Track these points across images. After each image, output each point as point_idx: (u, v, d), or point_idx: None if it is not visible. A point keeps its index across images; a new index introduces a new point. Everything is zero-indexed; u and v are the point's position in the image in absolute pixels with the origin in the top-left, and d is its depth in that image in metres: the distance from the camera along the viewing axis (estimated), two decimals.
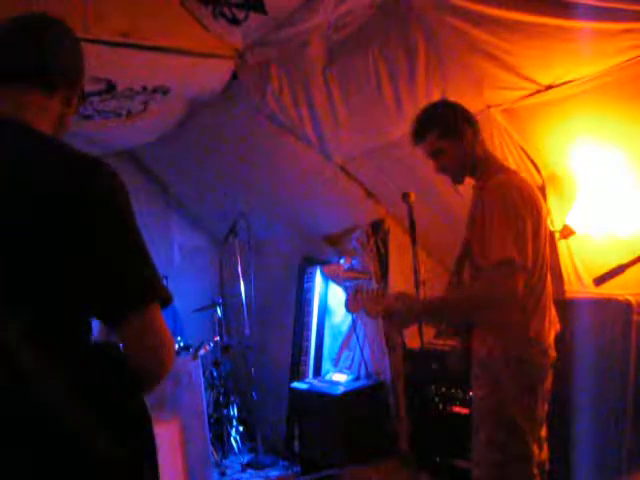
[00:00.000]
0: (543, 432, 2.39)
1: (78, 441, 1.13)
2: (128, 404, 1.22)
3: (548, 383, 2.36)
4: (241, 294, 5.04)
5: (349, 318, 4.71)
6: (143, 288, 1.19)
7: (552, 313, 2.39)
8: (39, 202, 1.13)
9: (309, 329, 5.14)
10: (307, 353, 5.10)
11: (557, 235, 3.14)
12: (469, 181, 2.50)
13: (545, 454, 2.39)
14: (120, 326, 1.19)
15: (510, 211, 2.22)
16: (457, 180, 2.47)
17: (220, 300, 5.43)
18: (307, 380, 4.81)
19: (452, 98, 3.06)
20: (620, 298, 2.98)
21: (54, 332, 1.16)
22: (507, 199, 2.24)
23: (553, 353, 2.36)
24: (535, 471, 2.30)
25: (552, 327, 2.37)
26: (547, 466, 2.39)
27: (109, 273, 1.16)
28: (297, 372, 5.08)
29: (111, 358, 1.23)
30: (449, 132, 2.36)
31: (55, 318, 1.17)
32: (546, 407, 2.38)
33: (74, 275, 1.14)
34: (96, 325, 1.26)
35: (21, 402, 1.12)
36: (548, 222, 2.47)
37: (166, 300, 1.24)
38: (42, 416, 1.11)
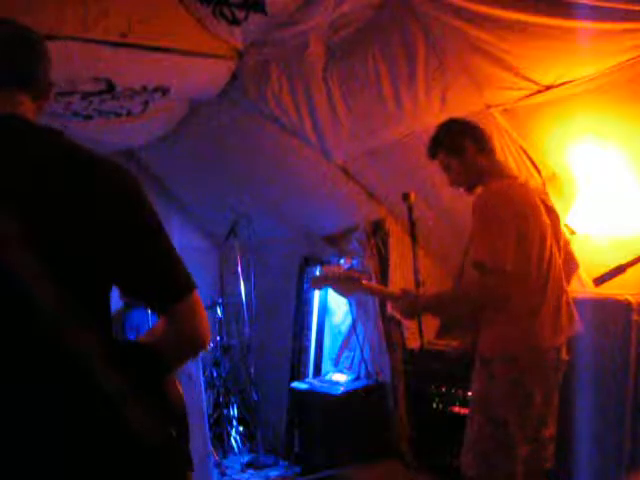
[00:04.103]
0: (547, 433, 2.43)
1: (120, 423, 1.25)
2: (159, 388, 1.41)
3: (552, 384, 2.39)
4: (241, 294, 5.04)
5: (349, 318, 4.71)
6: None
7: (563, 317, 2.42)
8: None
9: (309, 329, 5.13)
10: (307, 353, 5.10)
11: None
12: None
13: (550, 452, 2.44)
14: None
15: (489, 218, 2.35)
16: (468, 191, 2.62)
17: (220, 300, 5.43)
18: (307, 380, 4.81)
19: (452, 98, 3.07)
20: (620, 298, 2.98)
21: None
22: (485, 207, 2.38)
23: (561, 356, 2.41)
24: (519, 468, 2.34)
25: (560, 330, 2.40)
26: (551, 463, 2.42)
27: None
28: (297, 372, 5.07)
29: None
30: (452, 150, 2.56)
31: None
32: (551, 409, 2.41)
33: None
34: None
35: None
36: (549, 227, 2.49)
37: None
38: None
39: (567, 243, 2.66)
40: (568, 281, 2.62)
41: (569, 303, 2.49)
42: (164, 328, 1.39)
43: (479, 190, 2.51)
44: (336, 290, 2.86)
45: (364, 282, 2.75)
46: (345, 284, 2.73)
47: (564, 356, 2.42)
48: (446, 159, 2.59)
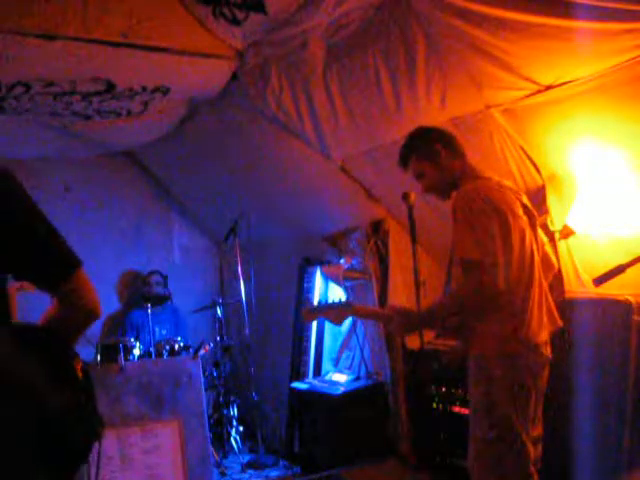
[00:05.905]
0: (537, 431, 2.43)
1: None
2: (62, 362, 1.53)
3: (542, 382, 2.41)
4: (241, 294, 5.05)
5: (349, 318, 4.71)
6: None
7: (544, 314, 2.44)
8: None
9: (309, 329, 5.14)
10: (307, 353, 5.10)
11: (557, 235, 3.15)
12: None
13: (538, 452, 2.43)
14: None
15: (471, 216, 2.34)
16: (443, 197, 2.64)
17: (220, 300, 5.43)
18: (307, 380, 4.81)
19: (452, 98, 3.08)
20: (620, 298, 2.98)
21: None
22: (467, 206, 2.37)
23: (546, 352, 2.42)
24: (532, 468, 2.33)
25: (544, 326, 2.42)
26: (539, 464, 2.42)
27: None
28: (297, 372, 5.08)
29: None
30: (424, 155, 2.60)
31: None
32: (540, 406, 2.42)
33: None
34: None
35: None
36: (528, 225, 2.49)
37: None
38: None
39: (543, 244, 2.67)
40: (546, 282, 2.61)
41: (548, 299, 2.51)
42: (58, 305, 1.56)
43: (454, 194, 2.50)
44: (328, 319, 2.87)
45: (355, 306, 2.76)
46: (336, 311, 2.74)
47: (548, 353, 2.43)
48: (419, 165, 2.61)
